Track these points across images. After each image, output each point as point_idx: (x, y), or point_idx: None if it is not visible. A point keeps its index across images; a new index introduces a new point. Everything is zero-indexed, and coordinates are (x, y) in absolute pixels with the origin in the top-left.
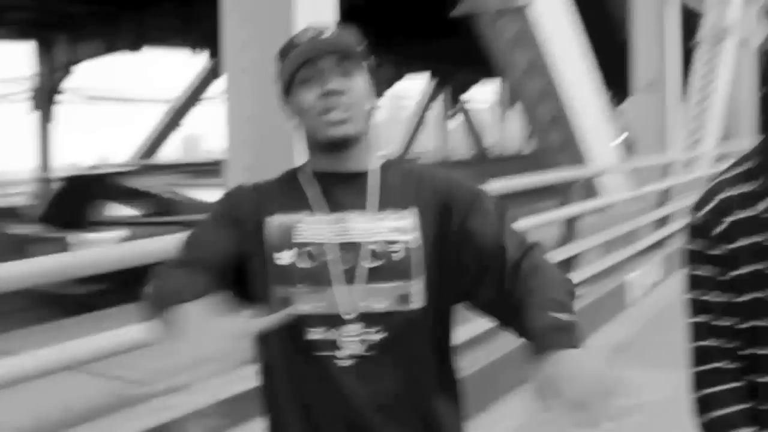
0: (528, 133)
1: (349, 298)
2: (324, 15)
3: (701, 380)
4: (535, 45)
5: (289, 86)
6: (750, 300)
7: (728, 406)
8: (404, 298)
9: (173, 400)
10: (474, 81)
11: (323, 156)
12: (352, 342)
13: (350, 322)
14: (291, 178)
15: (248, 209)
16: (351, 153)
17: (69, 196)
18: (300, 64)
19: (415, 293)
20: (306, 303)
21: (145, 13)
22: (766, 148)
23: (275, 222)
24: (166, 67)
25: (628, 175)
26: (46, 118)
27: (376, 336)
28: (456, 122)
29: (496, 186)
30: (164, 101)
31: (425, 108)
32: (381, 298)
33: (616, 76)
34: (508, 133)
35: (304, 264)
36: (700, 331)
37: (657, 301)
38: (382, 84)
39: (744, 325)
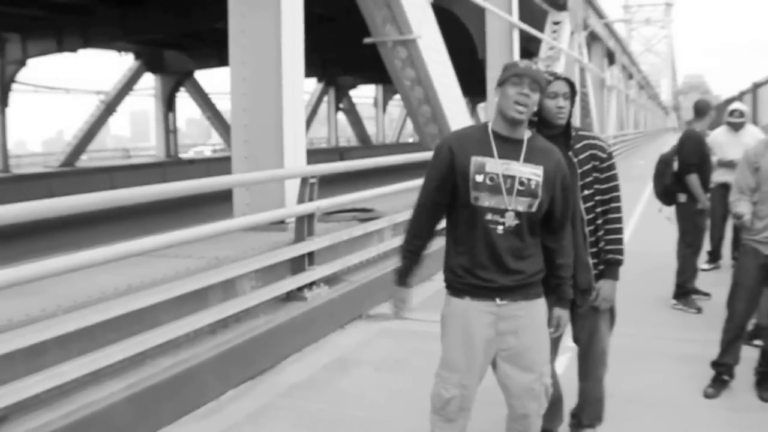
0: (413, 127)
1: (509, 200)
2: (296, 40)
3: None
4: (421, 65)
5: (503, 82)
6: None
7: None
8: (531, 205)
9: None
10: (354, 85)
11: (505, 125)
12: (506, 221)
13: (507, 212)
14: (483, 132)
15: (454, 152)
16: (517, 128)
17: None
18: (515, 74)
19: (537, 205)
20: (485, 201)
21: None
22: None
23: (476, 160)
24: (103, 65)
25: None
26: (2, 105)
27: (516, 221)
28: (342, 116)
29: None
30: (98, 93)
31: (316, 104)
32: (522, 204)
33: (477, 84)
34: (386, 126)
35: (488, 182)
36: None
37: None
38: None
39: None
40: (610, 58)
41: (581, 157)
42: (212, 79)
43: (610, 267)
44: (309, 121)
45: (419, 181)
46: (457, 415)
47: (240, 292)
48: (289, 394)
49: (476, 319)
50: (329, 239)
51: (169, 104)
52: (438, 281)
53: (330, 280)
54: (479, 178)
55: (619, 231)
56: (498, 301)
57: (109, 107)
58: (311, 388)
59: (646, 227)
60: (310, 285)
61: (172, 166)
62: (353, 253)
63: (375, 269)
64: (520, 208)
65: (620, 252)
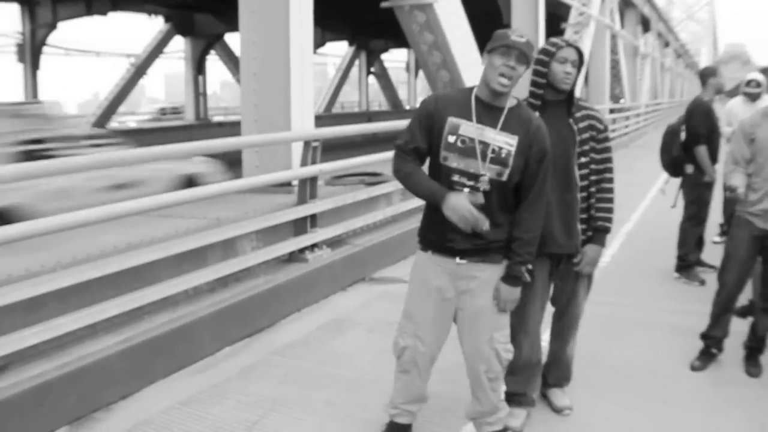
0: (432, 91)
1: (481, 165)
2: (305, 8)
3: None
4: (438, 30)
5: (492, 50)
6: None
7: None
8: (500, 174)
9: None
10: (386, 49)
11: (488, 93)
12: (480, 186)
13: (481, 176)
14: (467, 96)
15: (436, 110)
16: (499, 97)
17: None
18: (503, 45)
19: (507, 174)
20: (453, 162)
21: None
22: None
23: (451, 121)
24: (134, 28)
25: None
26: (32, 68)
27: (486, 186)
28: (373, 80)
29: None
30: (128, 56)
31: (347, 68)
32: (492, 171)
33: None
34: (417, 91)
35: (459, 144)
36: None
37: None
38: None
39: None
40: (645, 25)
41: (580, 125)
42: None
43: (598, 233)
44: (339, 86)
45: None
46: (410, 367)
47: (240, 252)
48: (282, 352)
49: (435, 274)
50: (332, 202)
51: (199, 67)
52: None
53: (333, 243)
54: (451, 138)
55: (611, 201)
56: (458, 260)
57: (139, 70)
58: (304, 346)
59: (665, 198)
60: (312, 247)
61: (200, 128)
62: (358, 217)
63: (381, 233)
64: (490, 175)
65: (609, 220)
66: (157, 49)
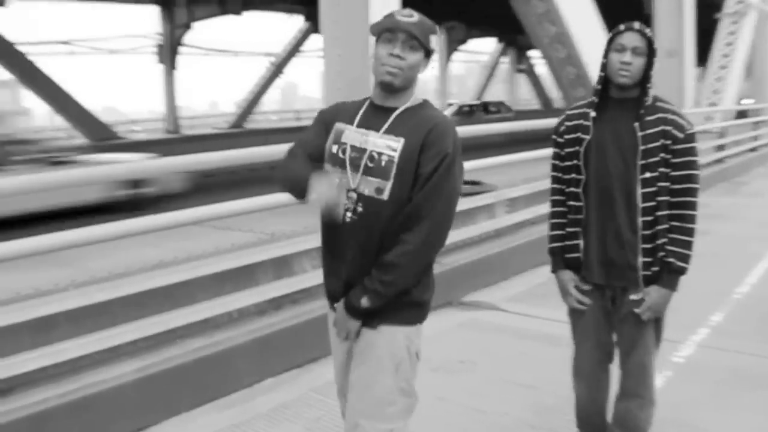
0: (558, 89)
1: (353, 179)
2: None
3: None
4: (560, 21)
5: (377, 39)
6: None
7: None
8: (380, 190)
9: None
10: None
11: (378, 92)
12: (348, 205)
13: (349, 192)
14: (362, 102)
15: (330, 118)
16: (392, 96)
17: None
18: (386, 29)
19: (388, 190)
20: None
21: None
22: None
23: (337, 128)
24: (268, 27)
25: None
26: (169, 68)
27: (360, 208)
28: (522, 77)
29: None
30: (266, 55)
31: (495, 64)
32: (369, 185)
33: None
34: None
35: (340, 155)
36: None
37: None
38: (453, 43)
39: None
40: None
41: (650, 131)
42: None
43: (668, 274)
44: (486, 83)
45: (541, 152)
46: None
47: (298, 270)
48: (323, 390)
49: (331, 330)
50: None
51: None
52: (545, 272)
53: None
54: (334, 148)
55: (689, 232)
56: (336, 306)
57: (278, 69)
58: None
59: None
60: None
61: None
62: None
63: (477, 250)
64: (367, 191)
65: (685, 258)
66: (294, 48)
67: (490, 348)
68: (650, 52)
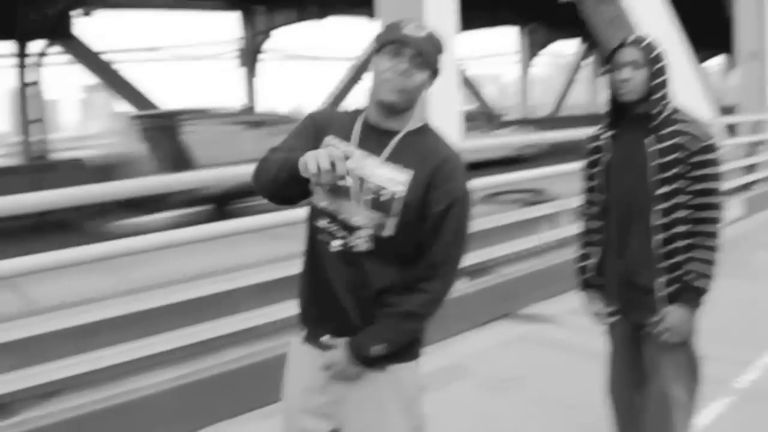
0: None
1: (353, 210)
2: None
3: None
4: (628, 26)
5: (378, 51)
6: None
7: None
8: (381, 226)
9: None
10: None
11: (377, 111)
12: (346, 242)
13: (353, 228)
14: (354, 115)
15: (321, 125)
16: (391, 117)
17: None
18: (391, 41)
19: (392, 227)
20: (321, 201)
21: None
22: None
23: (328, 140)
24: (348, 32)
25: (723, 129)
26: (251, 73)
27: (365, 246)
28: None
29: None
30: (347, 59)
31: (577, 67)
32: (370, 220)
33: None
34: None
35: None
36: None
37: (736, 230)
38: (536, 45)
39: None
40: None
41: (664, 145)
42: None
43: (686, 292)
44: (568, 86)
45: None
46: None
47: None
48: None
49: (305, 365)
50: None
51: None
52: None
53: (475, 272)
54: None
55: (710, 250)
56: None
57: (357, 74)
58: None
59: None
60: None
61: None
62: (507, 242)
63: (539, 260)
64: (364, 224)
65: (706, 277)
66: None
67: (546, 362)
68: (652, 63)
